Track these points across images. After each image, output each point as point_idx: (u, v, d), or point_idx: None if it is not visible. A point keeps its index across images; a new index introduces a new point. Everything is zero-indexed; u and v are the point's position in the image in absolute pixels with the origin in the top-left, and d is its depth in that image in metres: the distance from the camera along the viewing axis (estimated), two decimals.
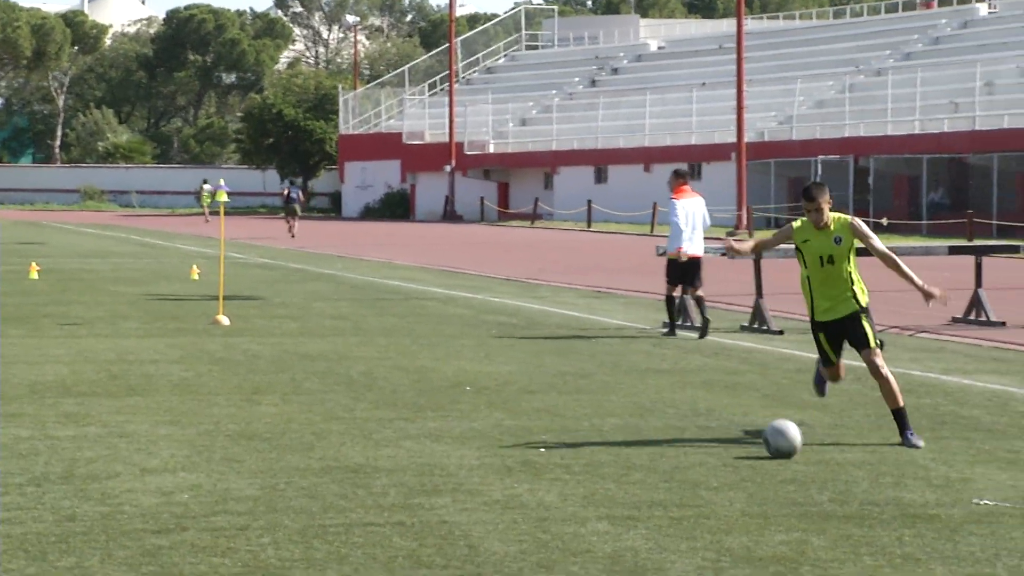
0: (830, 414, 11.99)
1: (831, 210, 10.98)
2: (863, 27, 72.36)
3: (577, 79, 78.87)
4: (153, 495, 8.87)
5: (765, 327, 18.74)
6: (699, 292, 18.55)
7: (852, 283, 10.90)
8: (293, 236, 50.18)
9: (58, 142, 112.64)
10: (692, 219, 18.48)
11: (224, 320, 19.58)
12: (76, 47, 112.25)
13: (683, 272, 18.54)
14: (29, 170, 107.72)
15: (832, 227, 10.88)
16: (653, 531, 8.01)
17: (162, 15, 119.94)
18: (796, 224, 11.07)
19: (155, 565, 7.32)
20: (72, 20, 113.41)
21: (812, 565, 7.33)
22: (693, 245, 18.49)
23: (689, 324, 18.88)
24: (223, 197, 21.36)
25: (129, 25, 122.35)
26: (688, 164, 60.01)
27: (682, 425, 11.51)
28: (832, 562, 7.38)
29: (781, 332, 18.48)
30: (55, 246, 43.54)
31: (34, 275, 28.31)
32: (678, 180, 18.72)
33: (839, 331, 10.93)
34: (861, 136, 57.91)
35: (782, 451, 10.02)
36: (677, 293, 18.74)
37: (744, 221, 51.47)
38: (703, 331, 18.22)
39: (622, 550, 7.61)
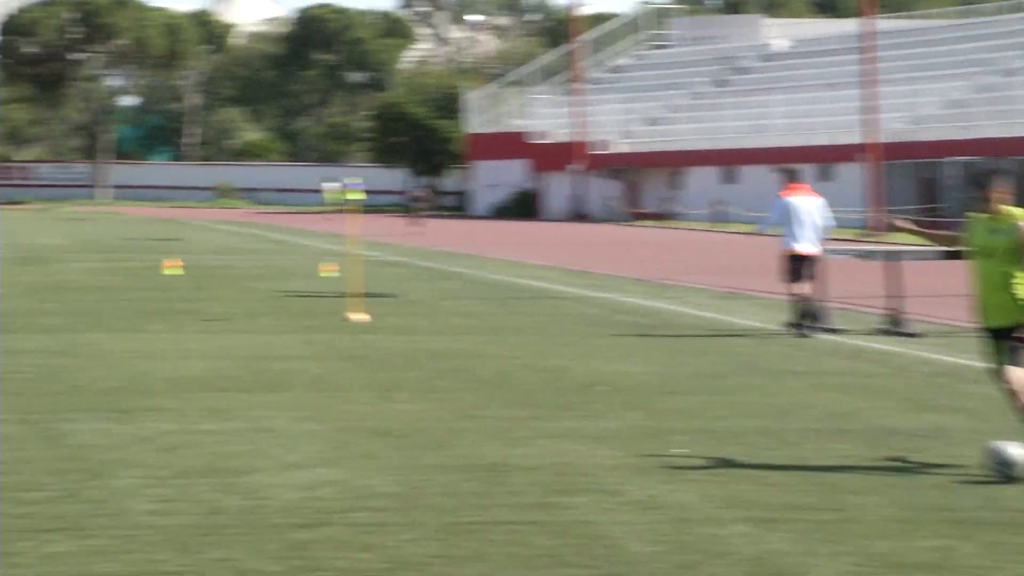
0: (970, 418, 11.79)
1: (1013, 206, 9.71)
2: (993, 27, 71.08)
3: (704, 78, 78.45)
4: (295, 490, 8.96)
5: (902, 330, 18.50)
6: (806, 289, 18.61)
7: (1015, 289, 9.54)
8: (418, 234, 51.32)
9: (191, 140, 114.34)
10: (806, 218, 18.84)
11: (359, 317, 19.73)
12: (206, 46, 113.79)
13: (803, 268, 18.64)
14: (164, 168, 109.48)
15: (999, 218, 9.67)
16: (796, 534, 7.93)
17: (291, 14, 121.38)
18: (976, 214, 9.84)
19: (301, 559, 7.39)
20: (202, 19, 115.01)
21: (960, 573, 7.21)
22: (805, 243, 18.75)
23: (822, 326, 18.71)
24: (356, 195, 21.47)
25: (258, 24, 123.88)
26: (815, 165, 59.45)
27: (820, 427, 11.39)
28: (981, 569, 7.26)
29: (919, 335, 18.23)
30: (191, 243, 44.20)
31: (175, 271, 28.67)
32: (789, 178, 19.43)
33: (1003, 337, 9.59)
34: (993, 137, 56.93)
35: (1008, 464, 9.35)
36: (805, 291, 18.67)
37: (879, 222, 50.78)
38: (797, 326, 18.27)
39: (765, 553, 7.55)
